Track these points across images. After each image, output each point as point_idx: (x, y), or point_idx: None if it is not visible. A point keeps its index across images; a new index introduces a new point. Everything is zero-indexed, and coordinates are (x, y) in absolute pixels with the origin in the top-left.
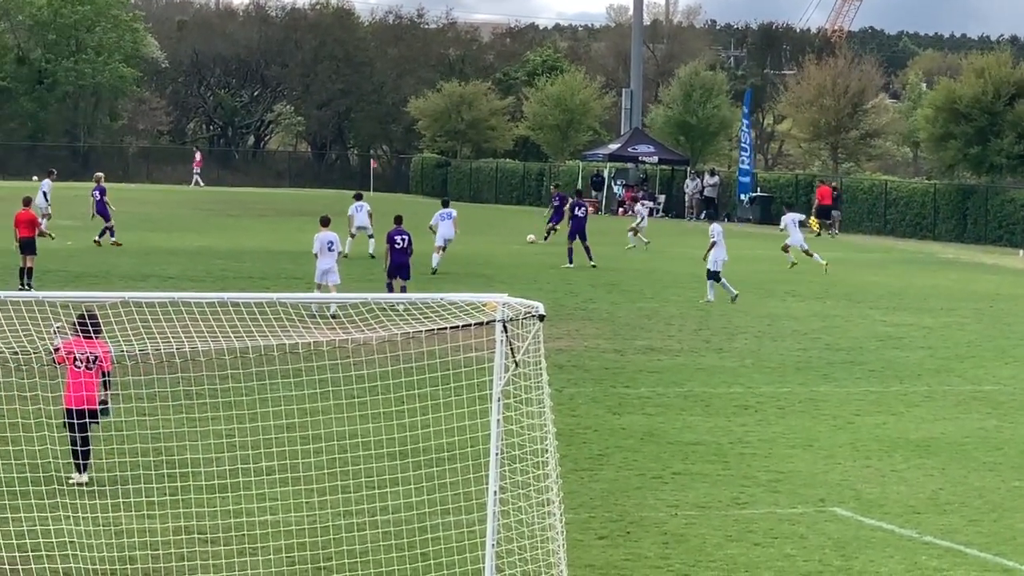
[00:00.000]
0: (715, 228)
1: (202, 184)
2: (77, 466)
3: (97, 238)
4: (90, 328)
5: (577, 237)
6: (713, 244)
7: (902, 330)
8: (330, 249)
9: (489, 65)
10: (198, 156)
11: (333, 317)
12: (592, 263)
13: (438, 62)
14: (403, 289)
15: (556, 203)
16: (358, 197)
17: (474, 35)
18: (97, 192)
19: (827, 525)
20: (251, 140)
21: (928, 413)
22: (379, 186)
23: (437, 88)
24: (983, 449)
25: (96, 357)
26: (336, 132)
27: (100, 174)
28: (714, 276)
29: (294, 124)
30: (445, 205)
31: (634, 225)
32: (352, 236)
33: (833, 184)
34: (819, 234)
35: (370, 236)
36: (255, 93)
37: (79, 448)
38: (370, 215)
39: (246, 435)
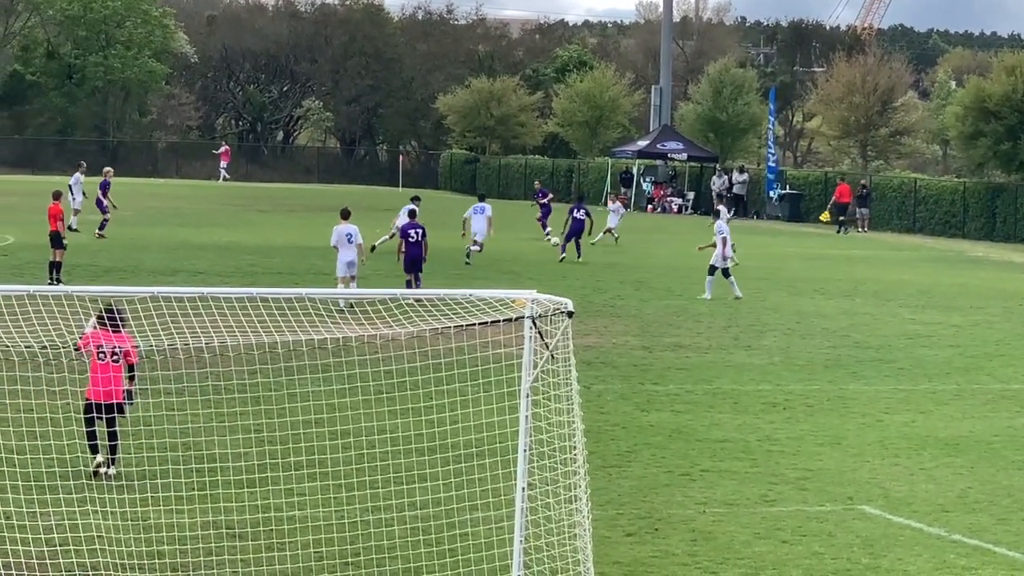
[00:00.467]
0: (722, 226)
1: (228, 177)
2: (91, 448)
3: (99, 231)
4: (117, 321)
5: (573, 238)
6: (724, 241)
7: (931, 328)
8: (349, 241)
9: (518, 61)
10: (223, 148)
11: (349, 307)
12: (579, 258)
13: (467, 58)
14: (418, 285)
15: (542, 199)
16: (415, 199)
17: (503, 31)
18: (99, 187)
19: (855, 523)
20: (280, 135)
21: (957, 411)
22: (408, 182)
23: (466, 84)
24: (1012, 448)
25: (122, 350)
26: (365, 128)
27: (108, 169)
28: (712, 271)
29: (323, 120)
30: (481, 199)
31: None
32: (391, 236)
33: (862, 182)
34: (845, 231)
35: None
36: (284, 88)
37: (108, 443)
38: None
39: (274, 430)
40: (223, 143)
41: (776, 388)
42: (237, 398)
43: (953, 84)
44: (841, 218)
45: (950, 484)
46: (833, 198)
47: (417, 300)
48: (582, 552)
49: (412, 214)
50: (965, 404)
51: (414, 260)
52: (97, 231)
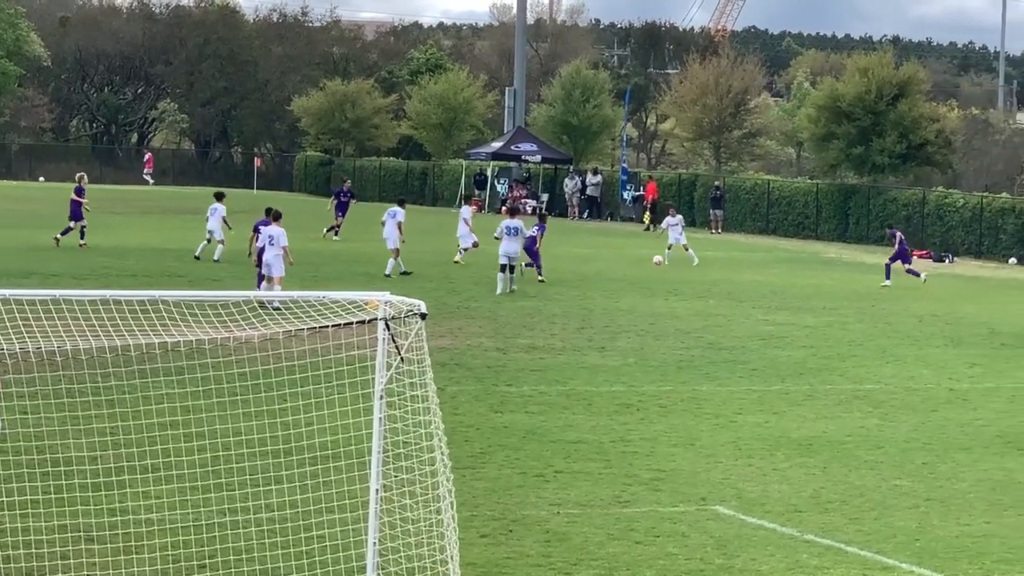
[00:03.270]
0: (504, 225)
1: (152, 182)
2: None
3: (59, 236)
4: None
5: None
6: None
7: (784, 329)
8: (270, 243)
9: (373, 63)
10: (147, 156)
11: (276, 310)
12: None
13: (322, 60)
14: (269, 281)
15: (344, 198)
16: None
17: (358, 33)
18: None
19: (709, 524)
20: (134, 138)
21: (810, 412)
22: (262, 184)
23: (321, 86)
24: (864, 448)
25: None
26: (220, 130)
27: (82, 174)
28: (503, 268)
29: (178, 122)
30: (400, 204)
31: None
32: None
33: (716, 183)
34: (648, 228)
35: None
36: (139, 91)
37: None
38: (225, 219)
39: (128, 433)
40: (146, 152)
41: (630, 389)
42: (91, 401)
43: (807, 85)
44: (650, 216)
45: (803, 484)
46: (648, 197)
47: (270, 302)
48: (444, 552)
49: (268, 212)
50: (818, 404)
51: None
52: (80, 241)
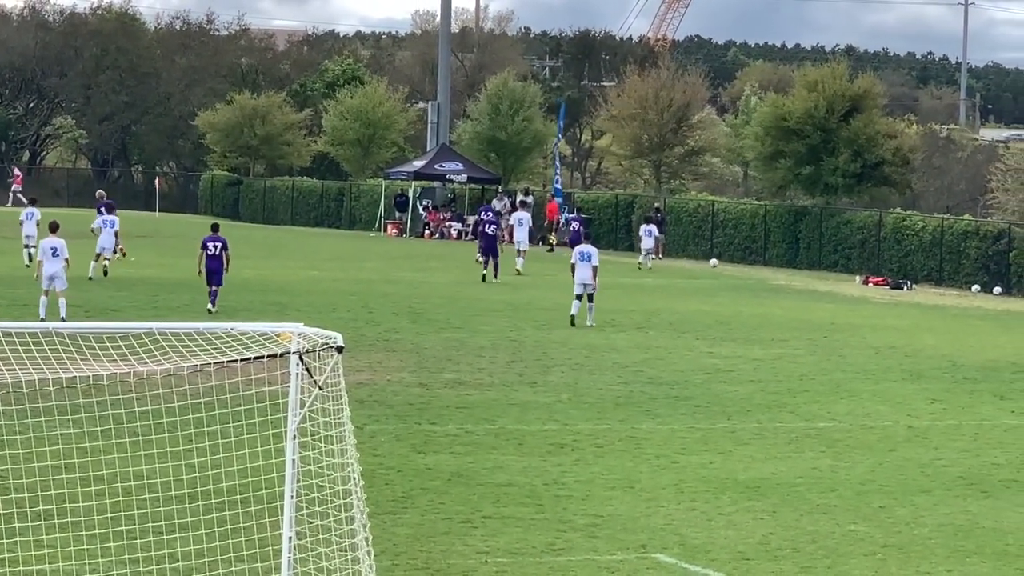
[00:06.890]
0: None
1: (24, 201)
2: None
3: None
4: None
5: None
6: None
7: (730, 363)
8: (54, 255)
9: (285, 75)
10: (17, 173)
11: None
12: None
13: (229, 72)
14: (214, 294)
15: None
16: (32, 202)
17: (268, 43)
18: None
19: (649, 573)
20: (26, 156)
21: (758, 452)
22: (166, 206)
23: (228, 100)
24: (816, 490)
25: None
26: (119, 147)
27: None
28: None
29: (73, 138)
30: (110, 211)
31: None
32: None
33: (656, 205)
34: (551, 249)
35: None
36: (31, 105)
37: None
38: (38, 224)
39: (19, 476)
40: (14, 169)
41: (564, 428)
42: None
43: (754, 100)
44: (550, 236)
45: (751, 530)
46: (545, 219)
47: (174, 334)
48: None
49: (214, 228)
50: (767, 444)
51: (212, 272)
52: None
